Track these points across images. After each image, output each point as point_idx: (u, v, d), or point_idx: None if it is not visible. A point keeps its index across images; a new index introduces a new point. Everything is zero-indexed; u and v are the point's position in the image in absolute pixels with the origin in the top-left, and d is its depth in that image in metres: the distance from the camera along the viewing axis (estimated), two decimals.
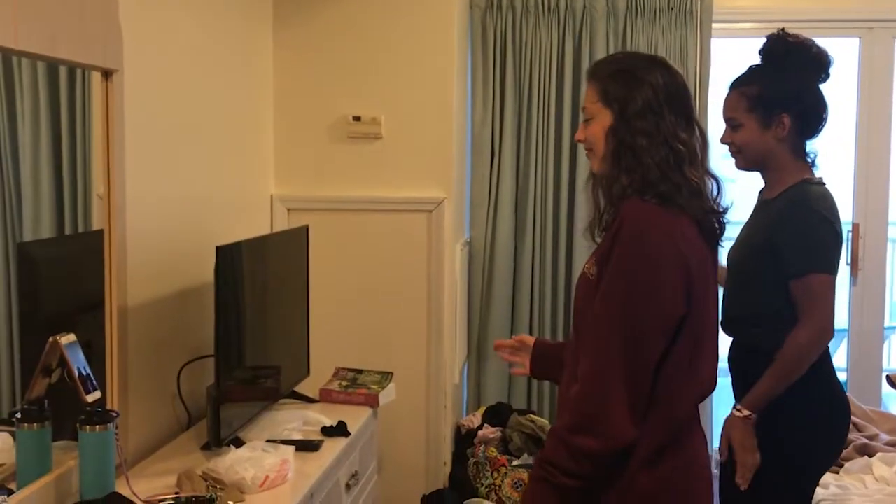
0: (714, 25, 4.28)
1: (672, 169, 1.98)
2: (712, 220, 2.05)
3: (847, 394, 2.75)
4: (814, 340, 2.45)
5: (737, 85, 2.60)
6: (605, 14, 4.24)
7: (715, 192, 2.06)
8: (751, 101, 2.54)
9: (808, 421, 2.49)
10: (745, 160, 2.62)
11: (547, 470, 1.95)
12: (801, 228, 2.46)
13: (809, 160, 2.59)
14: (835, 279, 2.50)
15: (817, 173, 2.60)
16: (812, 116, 2.56)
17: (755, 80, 2.57)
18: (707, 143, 2.08)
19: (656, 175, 1.97)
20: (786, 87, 2.53)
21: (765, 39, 2.60)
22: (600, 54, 4.22)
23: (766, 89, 2.53)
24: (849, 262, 4.56)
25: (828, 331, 2.46)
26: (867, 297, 4.66)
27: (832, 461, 2.69)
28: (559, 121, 4.31)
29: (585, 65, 4.24)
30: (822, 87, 2.60)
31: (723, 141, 2.63)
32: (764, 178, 2.65)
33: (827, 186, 2.57)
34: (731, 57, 4.52)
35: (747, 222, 2.70)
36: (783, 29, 2.60)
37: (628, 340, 1.90)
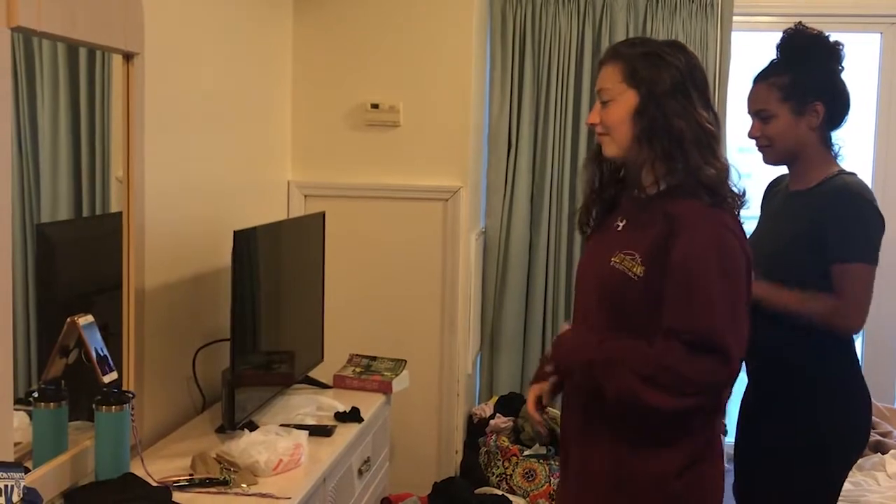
0: (734, 18, 4.25)
1: (709, 152, 1.99)
2: (739, 207, 2.06)
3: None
4: (842, 321, 2.42)
5: (764, 77, 2.55)
6: (625, 5, 4.22)
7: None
8: (783, 91, 2.49)
9: (830, 416, 2.46)
10: (776, 153, 2.56)
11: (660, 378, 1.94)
12: (853, 217, 2.43)
13: (834, 152, 2.56)
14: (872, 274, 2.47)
15: (843, 165, 2.57)
16: (841, 105, 2.53)
17: (784, 70, 2.52)
18: (720, 125, 2.10)
19: (698, 162, 1.97)
20: (817, 75, 2.50)
21: (782, 34, 2.57)
22: None
23: (799, 78, 2.49)
24: None
25: (860, 321, 2.44)
26: (883, 294, 4.57)
27: (853, 457, 2.66)
28: (577, 112, 4.29)
29: None
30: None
31: (751, 135, 2.57)
32: (792, 170, 2.60)
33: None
34: (752, 50, 4.51)
35: (770, 215, 2.67)
36: (800, 22, 2.57)
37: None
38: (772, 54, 2.59)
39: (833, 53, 2.52)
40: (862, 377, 2.56)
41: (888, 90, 4.58)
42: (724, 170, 2.00)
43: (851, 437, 2.54)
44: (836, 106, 2.52)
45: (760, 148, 2.58)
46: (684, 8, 4.22)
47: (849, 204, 2.44)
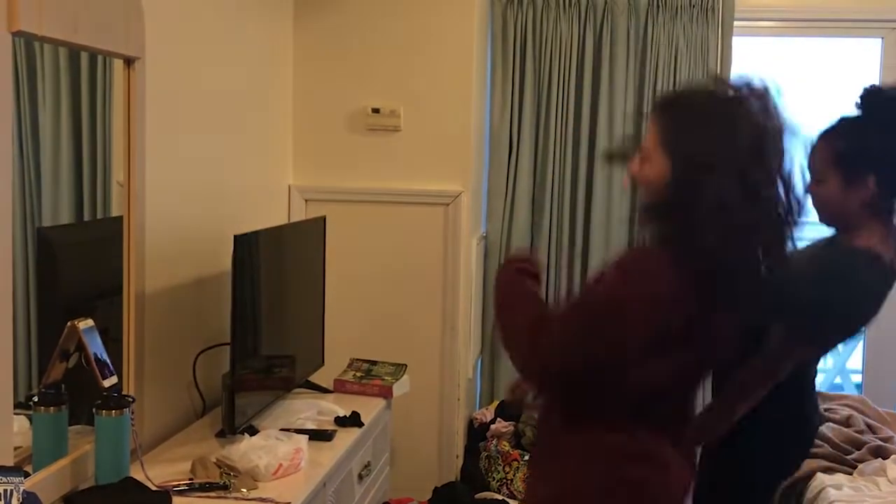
0: (736, 23, 4.25)
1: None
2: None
3: (818, 416, 2.58)
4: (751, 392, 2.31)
5: (824, 136, 2.37)
6: (626, 10, 4.22)
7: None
8: (836, 156, 2.32)
9: (757, 439, 2.38)
10: (823, 216, 2.39)
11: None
12: (836, 297, 2.25)
13: (886, 216, 2.35)
14: (810, 353, 2.35)
15: None
16: None
17: (844, 133, 2.34)
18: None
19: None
20: (875, 144, 2.29)
21: (862, 90, 2.36)
22: (621, 50, 4.21)
23: (854, 145, 2.31)
24: None
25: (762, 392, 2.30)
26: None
27: (778, 480, 2.59)
28: (578, 116, 4.29)
29: (606, 60, 4.23)
30: None
31: (807, 191, 2.28)
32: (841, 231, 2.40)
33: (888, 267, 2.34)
34: (753, 55, 4.51)
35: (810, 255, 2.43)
36: (878, 85, 2.41)
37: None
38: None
39: None
40: (804, 403, 2.45)
41: None
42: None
43: (778, 461, 2.46)
44: (894, 180, 2.33)
45: (814, 205, 2.40)
46: (685, 13, 4.22)
47: (842, 284, 2.27)
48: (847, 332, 2.39)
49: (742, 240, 1.83)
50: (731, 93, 1.91)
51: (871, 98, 2.35)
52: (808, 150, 2.37)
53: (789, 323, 2.24)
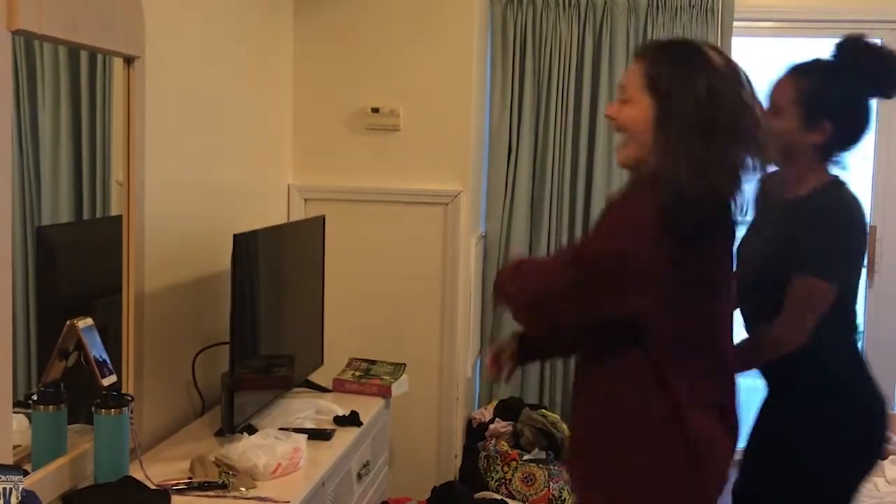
0: (735, 24, 4.26)
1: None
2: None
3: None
4: (786, 341, 2.33)
5: (793, 71, 2.35)
6: (625, 10, 4.23)
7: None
8: (800, 94, 2.30)
9: (829, 432, 2.37)
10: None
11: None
12: (829, 233, 2.29)
13: (833, 163, 2.38)
14: (841, 287, 2.34)
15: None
16: (854, 132, 2.35)
17: (814, 73, 2.33)
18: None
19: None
20: (843, 93, 2.30)
21: (844, 37, 2.37)
22: (620, 50, 4.21)
23: (822, 88, 2.30)
24: (865, 264, 4.53)
25: (800, 337, 2.32)
26: (883, 299, 4.64)
27: (860, 474, 2.52)
28: (577, 116, 4.30)
29: (605, 60, 4.23)
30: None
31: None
32: (783, 171, 2.42)
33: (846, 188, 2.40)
34: (752, 55, 4.51)
35: (762, 218, 2.47)
36: (863, 35, 2.39)
37: None
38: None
39: (882, 77, 2.34)
40: (873, 390, 2.46)
41: None
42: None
43: (854, 452, 2.42)
44: (849, 131, 2.35)
45: None
46: (685, 13, 4.22)
47: (832, 219, 2.31)
48: (861, 257, 2.41)
49: (726, 180, 1.89)
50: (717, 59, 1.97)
51: (851, 47, 2.35)
52: (773, 81, 2.39)
53: (807, 272, 2.27)
